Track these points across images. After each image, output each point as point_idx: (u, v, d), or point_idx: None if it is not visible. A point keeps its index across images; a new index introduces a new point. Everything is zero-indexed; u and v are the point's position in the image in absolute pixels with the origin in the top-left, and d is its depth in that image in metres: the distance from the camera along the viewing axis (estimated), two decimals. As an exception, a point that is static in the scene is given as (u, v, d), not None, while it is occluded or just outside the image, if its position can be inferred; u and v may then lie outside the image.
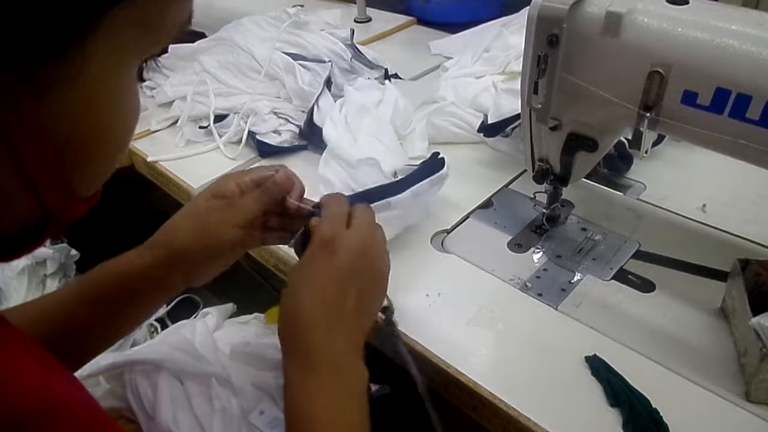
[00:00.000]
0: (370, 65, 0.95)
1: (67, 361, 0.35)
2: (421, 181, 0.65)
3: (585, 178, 0.67)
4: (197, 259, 0.53)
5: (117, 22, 0.27)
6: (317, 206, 0.54)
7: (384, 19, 1.31)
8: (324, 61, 0.89)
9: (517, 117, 0.73)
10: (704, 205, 0.72)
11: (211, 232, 0.53)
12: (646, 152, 0.51)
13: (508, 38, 0.90)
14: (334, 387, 0.44)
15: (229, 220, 0.53)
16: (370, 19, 1.32)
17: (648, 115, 0.49)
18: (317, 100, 0.84)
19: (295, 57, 0.90)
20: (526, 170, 0.75)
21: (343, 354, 0.46)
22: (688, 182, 0.77)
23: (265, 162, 0.86)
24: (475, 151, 0.84)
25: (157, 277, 0.53)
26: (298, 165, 0.84)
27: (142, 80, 1.01)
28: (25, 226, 0.30)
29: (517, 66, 0.82)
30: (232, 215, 0.53)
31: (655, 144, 0.77)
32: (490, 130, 0.79)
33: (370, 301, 0.51)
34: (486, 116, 0.80)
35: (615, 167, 0.77)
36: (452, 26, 1.22)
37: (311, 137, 0.85)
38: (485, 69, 0.88)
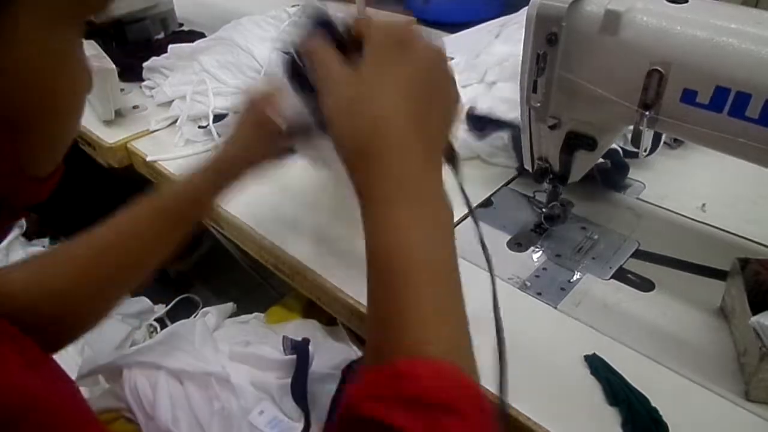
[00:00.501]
0: (370, 65, 0.95)
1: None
2: None
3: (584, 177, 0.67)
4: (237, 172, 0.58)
5: None
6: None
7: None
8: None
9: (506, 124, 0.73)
10: (704, 205, 0.72)
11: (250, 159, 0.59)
12: (645, 150, 0.51)
13: (495, 46, 0.89)
14: (427, 219, 0.37)
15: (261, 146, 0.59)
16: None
17: (647, 113, 0.49)
18: None
19: (295, 56, 0.90)
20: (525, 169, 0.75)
21: (436, 176, 0.39)
22: (688, 182, 0.77)
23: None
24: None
25: (200, 200, 0.58)
26: (296, 164, 0.84)
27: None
28: None
29: (494, 75, 0.82)
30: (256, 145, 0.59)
31: (652, 150, 0.77)
32: (476, 121, 0.77)
33: (449, 117, 0.42)
34: (473, 108, 0.78)
35: (611, 181, 0.75)
36: (452, 26, 1.22)
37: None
38: (470, 76, 0.87)
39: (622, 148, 0.76)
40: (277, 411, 0.58)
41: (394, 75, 0.38)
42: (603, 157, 0.67)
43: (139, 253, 0.55)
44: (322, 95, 0.39)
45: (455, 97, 0.42)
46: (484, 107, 0.77)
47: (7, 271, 0.49)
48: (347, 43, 0.41)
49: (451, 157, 0.43)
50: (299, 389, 0.53)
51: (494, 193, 0.77)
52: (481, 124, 0.77)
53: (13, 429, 0.27)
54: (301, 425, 0.55)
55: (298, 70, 0.44)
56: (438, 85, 0.40)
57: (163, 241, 0.56)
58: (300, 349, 0.56)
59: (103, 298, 0.55)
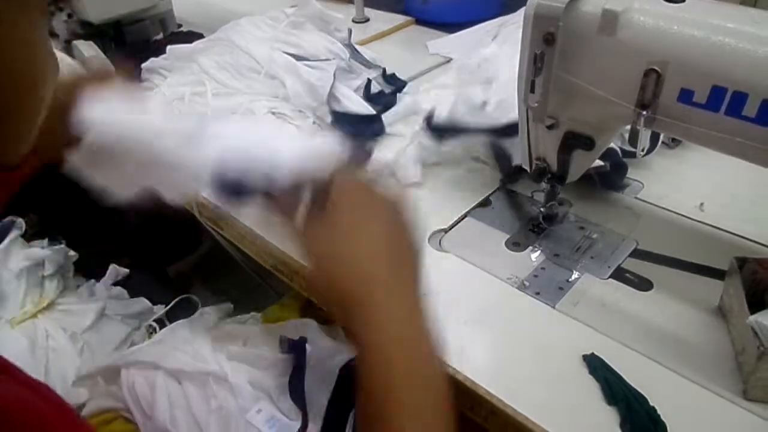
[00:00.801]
0: (368, 65, 0.95)
1: None
2: None
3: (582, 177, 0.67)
4: None
5: None
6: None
7: (382, 20, 1.31)
8: (326, 60, 0.90)
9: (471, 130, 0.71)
10: (702, 204, 0.72)
11: None
12: (643, 150, 0.51)
13: (485, 49, 0.87)
14: (418, 360, 0.41)
15: None
16: (368, 20, 1.32)
17: (644, 113, 0.49)
18: (332, 90, 0.86)
19: (295, 58, 0.90)
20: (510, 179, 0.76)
21: (421, 315, 0.43)
22: (686, 181, 0.77)
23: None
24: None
25: None
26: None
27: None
28: None
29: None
30: None
31: (650, 150, 0.77)
32: (435, 129, 0.74)
33: (417, 258, 0.46)
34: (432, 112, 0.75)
35: (609, 182, 0.75)
36: (450, 26, 1.22)
37: (340, 126, 0.87)
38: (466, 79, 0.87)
39: (620, 148, 0.76)
40: (274, 410, 0.58)
41: (366, 231, 0.43)
42: (601, 158, 0.67)
43: None
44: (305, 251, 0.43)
45: (418, 240, 0.46)
46: (442, 115, 0.75)
47: None
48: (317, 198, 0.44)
49: None
50: (297, 388, 0.53)
51: (492, 192, 0.77)
52: (439, 132, 0.75)
53: None
54: (298, 424, 0.55)
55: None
56: (404, 230, 0.45)
57: None
58: (297, 348, 0.56)
59: None
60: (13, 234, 0.96)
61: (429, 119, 0.76)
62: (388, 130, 0.88)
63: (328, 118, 0.88)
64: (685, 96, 0.47)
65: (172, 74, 1.00)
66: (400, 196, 0.46)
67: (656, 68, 0.47)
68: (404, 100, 0.91)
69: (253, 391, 0.60)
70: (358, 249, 0.42)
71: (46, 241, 1.01)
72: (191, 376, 0.59)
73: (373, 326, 0.41)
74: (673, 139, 0.81)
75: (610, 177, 0.74)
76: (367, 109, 0.88)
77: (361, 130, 0.87)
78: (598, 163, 0.68)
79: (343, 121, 0.87)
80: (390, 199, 0.45)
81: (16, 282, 0.93)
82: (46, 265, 0.97)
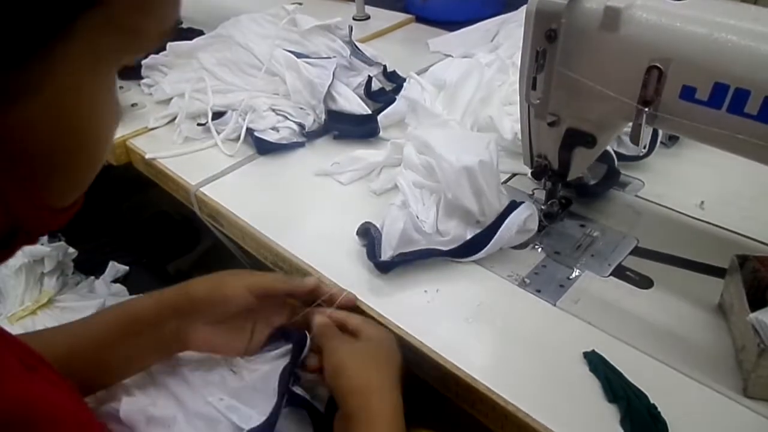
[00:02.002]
0: (369, 62, 0.95)
1: None
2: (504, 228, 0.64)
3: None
4: (201, 309, 0.55)
5: (91, 28, 0.26)
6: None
7: (382, 17, 1.31)
8: (327, 58, 0.90)
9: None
10: (702, 202, 0.72)
11: (223, 287, 0.56)
12: (644, 147, 0.51)
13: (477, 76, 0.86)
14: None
15: (243, 281, 0.56)
16: (368, 17, 1.32)
17: (646, 110, 0.49)
18: (329, 89, 0.86)
19: (296, 55, 0.90)
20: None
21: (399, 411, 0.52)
22: (687, 179, 0.77)
23: (263, 159, 0.86)
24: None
25: (157, 321, 0.54)
26: (295, 162, 0.85)
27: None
28: None
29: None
30: (247, 278, 0.57)
31: (650, 150, 0.77)
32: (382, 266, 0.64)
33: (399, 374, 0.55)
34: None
35: (600, 188, 0.74)
36: (451, 24, 1.22)
37: (334, 125, 0.88)
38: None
39: (615, 151, 0.76)
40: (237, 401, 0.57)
41: (379, 345, 0.55)
42: (598, 160, 0.67)
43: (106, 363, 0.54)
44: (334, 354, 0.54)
45: (401, 360, 0.56)
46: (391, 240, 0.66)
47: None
48: None
49: None
50: (286, 377, 0.53)
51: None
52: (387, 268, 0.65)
53: None
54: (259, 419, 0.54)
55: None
56: (390, 352, 0.55)
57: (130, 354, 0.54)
58: (296, 338, 0.55)
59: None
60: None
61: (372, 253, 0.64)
62: (382, 133, 0.87)
63: (323, 117, 0.88)
64: (687, 93, 0.47)
65: (172, 71, 1.00)
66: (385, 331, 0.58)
67: (658, 65, 0.47)
68: (399, 102, 0.88)
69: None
70: (361, 365, 0.53)
71: (45, 238, 1.00)
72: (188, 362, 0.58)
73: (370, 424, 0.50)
74: (670, 138, 0.81)
75: (601, 184, 0.74)
76: (363, 108, 0.87)
77: (355, 131, 0.87)
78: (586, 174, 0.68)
79: (338, 120, 0.87)
80: (378, 330, 0.57)
81: (15, 279, 0.93)
82: (45, 262, 0.97)
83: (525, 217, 0.64)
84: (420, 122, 0.82)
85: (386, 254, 0.63)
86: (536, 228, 0.66)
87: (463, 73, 0.84)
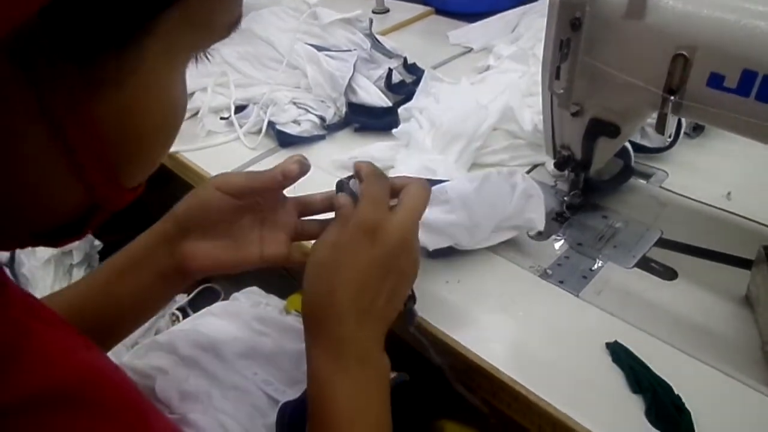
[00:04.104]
0: (389, 54, 0.95)
1: None
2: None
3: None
4: (185, 224, 0.53)
5: (170, 23, 0.28)
6: (351, 178, 0.52)
7: (402, 10, 1.31)
8: (348, 51, 0.90)
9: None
10: (729, 193, 0.71)
11: (196, 195, 0.54)
12: (669, 136, 0.50)
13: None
14: (360, 378, 0.45)
15: (212, 183, 0.53)
16: (388, 10, 1.32)
17: (672, 98, 0.49)
18: (350, 81, 0.86)
19: (317, 48, 0.90)
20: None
21: (371, 345, 0.47)
22: (712, 170, 0.76)
23: (285, 152, 0.87)
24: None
25: (150, 252, 0.53)
26: (317, 154, 0.85)
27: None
28: (75, 213, 0.31)
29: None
30: (216, 179, 0.54)
31: (673, 141, 0.76)
32: None
33: (401, 293, 0.50)
34: None
35: (612, 185, 0.73)
36: (470, 16, 1.21)
37: (354, 118, 0.88)
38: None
39: (638, 143, 0.75)
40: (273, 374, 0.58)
41: (348, 261, 0.46)
42: (615, 155, 0.66)
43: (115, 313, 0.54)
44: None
45: (417, 263, 0.51)
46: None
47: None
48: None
49: (409, 301, 0.53)
50: None
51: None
52: None
53: (84, 403, 0.29)
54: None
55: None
56: (398, 267, 0.48)
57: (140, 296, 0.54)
58: None
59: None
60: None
61: None
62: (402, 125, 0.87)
63: (344, 110, 0.88)
64: (715, 80, 0.46)
65: (194, 66, 1.01)
66: (410, 224, 0.49)
67: (684, 53, 0.47)
68: (418, 97, 0.87)
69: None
70: (337, 268, 0.46)
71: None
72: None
73: (318, 338, 0.46)
74: (694, 129, 0.79)
75: (612, 180, 0.73)
76: (383, 101, 0.88)
77: (376, 123, 0.87)
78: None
79: (359, 113, 0.88)
80: (397, 232, 0.47)
81: (44, 270, 0.95)
82: (74, 254, 0.99)
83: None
84: (410, 155, 0.78)
85: None
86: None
87: (462, 116, 0.77)
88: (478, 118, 0.77)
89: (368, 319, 0.46)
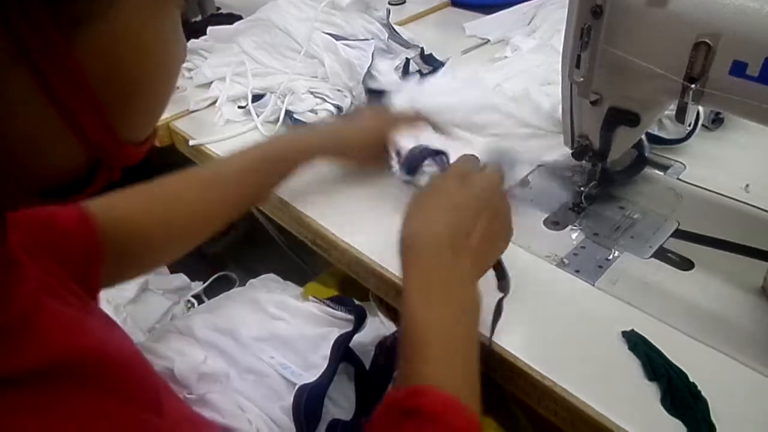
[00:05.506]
0: (407, 45, 0.95)
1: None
2: None
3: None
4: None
5: None
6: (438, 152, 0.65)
7: (418, 1, 1.31)
8: (365, 40, 0.90)
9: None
10: (747, 186, 0.71)
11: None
12: (690, 125, 0.50)
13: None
14: (446, 310, 0.47)
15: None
16: (404, 1, 1.32)
17: (693, 86, 0.48)
18: (370, 68, 0.87)
19: (334, 37, 0.91)
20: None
21: (464, 276, 0.49)
22: (731, 162, 0.75)
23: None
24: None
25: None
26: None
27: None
28: (79, 169, 0.30)
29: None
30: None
31: (690, 132, 0.75)
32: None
33: (495, 237, 0.53)
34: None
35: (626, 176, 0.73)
36: (486, 8, 1.21)
37: (375, 103, 0.88)
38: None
39: (655, 135, 0.75)
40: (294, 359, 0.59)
41: (445, 197, 0.52)
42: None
43: (242, 190, 0.65)
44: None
45: (506, 221, 0.55)
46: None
47: (113, 199, 0.55)
48: None
49: (501, 274, 0.56)
50: (342, 349, 0.55)
51: (531, 172, 0.77)
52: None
53: (92, 379, 0.30)
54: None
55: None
56: (487, 207, 0.52)
57: (262, 182, 0.67)
58: (359, 311, 0.57)
59: (200, 232, 0.63)
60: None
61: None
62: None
63: (363, 97, 0.88)
64: (738, 68, 0.46)
65: (212, 55, 1.02)
66: (496, 179, 0.54)
67: (707, 41, 0.47)
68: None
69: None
70: (431, 206, 0.52)
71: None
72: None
73: (411, 268, 0.49)
74: (713, 121, 0.79)
75: (624, 171, 0.73)
76: (398, 86, 0.88)
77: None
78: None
79: (377, 98, 0.88)
80: (484, 181, 0.53)
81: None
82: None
83: None
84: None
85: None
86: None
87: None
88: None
89: (463, 252, 0.49)
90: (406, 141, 0.68)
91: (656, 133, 0.76)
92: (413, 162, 0.66)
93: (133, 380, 0.33)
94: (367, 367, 0.60)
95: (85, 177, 0.31)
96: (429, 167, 0.66)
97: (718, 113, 0.78)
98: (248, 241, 1.31)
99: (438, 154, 0.66)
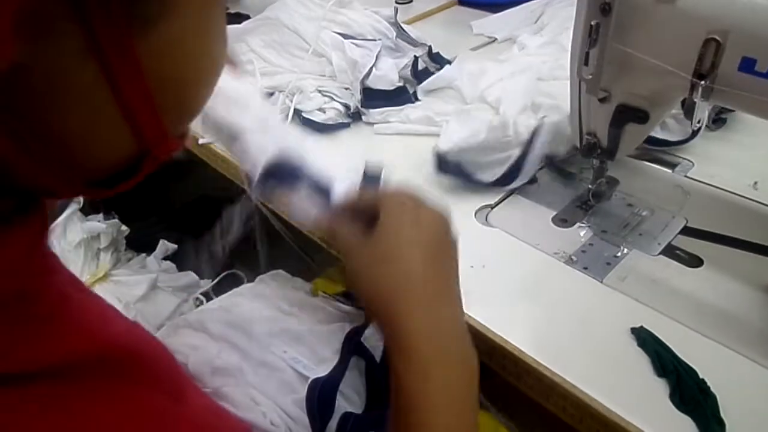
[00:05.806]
0: (414, 43, 0.96)
1: None
2: None
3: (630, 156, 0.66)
4: None
5: None
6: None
7: (425, 0, 1.31)
8: (372, 40, 0.91)
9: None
10: (755, 183, 0.71)
11: None
12: (698, 122, 0.50)
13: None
14: (437, 377, 0.43)
15: None
16: (411, 0, 1.32)
17: (702, 83, 0.49)
18: (374, 66, 0.87)
19: (342, 36, 0.91)
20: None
21: (447, 336, 0.45)
22: (738, 160, 0.75)
23: (310, 140, 0.87)
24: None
25: None
26: (342, 142, 0.86)
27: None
28: (125, 160, 0.31)
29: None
30: None
31: (695, 133, 0.75)
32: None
33: (456, 272, 0.49)
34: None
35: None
36: (493, 6, 1.21)
37: (370, 103, 0.88)
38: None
39: (658, 138, 0.75)
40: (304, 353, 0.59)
41: (408, 238, 0.46)
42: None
43: None
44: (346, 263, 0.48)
45: (456, 255, 0.50)
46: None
47: None
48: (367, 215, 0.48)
49: None
50: (352, 344, 0.55)
51: (539, 169, 0.77)
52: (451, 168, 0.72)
53: (122, 371, 0.30)
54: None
55: None
56: (446, 243, 0.48)
57: None
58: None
59: None
60: (72, 208, 1.00)
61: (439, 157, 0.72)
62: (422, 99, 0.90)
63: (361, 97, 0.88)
64: (747, 65, 0.46)
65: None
66: (444, 211, 0.49)
67: (716, 37, 0.47)
68: (445, 70, 0.91)
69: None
70: (398, 253, 0.45)
71: (101, 216, 1.05)
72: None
73: (405, 331, 0.43)
74: (714, 121, 0.79)
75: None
76: (392, 83, 0.88)
77: (391, 104, 0.88)
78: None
79: (373, 97, 0.88)
80: (435, 212, 0.48)
81: (74, 253, 0.98)
82: (101, 238, 1.01)
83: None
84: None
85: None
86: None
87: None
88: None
89: (440, 303, 0.45)
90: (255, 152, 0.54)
91: (660, 134, 0.75)
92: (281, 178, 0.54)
93: (160, 370, 0.33)
94: (378, 361, 0.61)
95: (128, 167, 0.31)
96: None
97: (719, 113, 0.79)
98: (254, 238, 1.31)
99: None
